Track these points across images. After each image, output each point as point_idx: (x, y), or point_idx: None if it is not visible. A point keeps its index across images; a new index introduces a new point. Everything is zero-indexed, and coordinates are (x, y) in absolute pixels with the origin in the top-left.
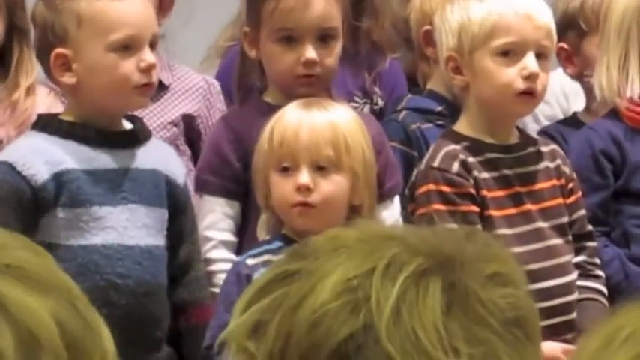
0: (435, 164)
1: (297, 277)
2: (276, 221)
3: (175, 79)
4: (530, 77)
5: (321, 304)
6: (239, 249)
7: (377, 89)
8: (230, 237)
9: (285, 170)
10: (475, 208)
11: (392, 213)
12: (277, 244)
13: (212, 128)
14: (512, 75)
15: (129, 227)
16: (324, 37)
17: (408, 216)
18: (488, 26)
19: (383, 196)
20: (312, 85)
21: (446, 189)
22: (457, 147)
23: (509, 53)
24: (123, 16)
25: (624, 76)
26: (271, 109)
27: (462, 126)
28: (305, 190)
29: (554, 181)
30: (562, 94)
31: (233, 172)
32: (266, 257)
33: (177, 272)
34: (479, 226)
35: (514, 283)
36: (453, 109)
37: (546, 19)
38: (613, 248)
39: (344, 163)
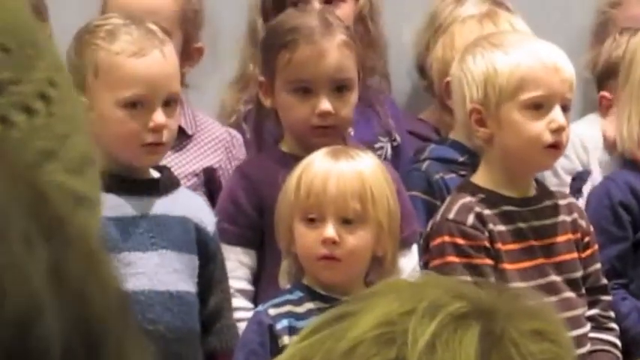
0: (451, 216)
1: (346, 318)
2: (297, 269)
3: (199, 130)
4: (558, 130)
5: (357, 335)
6: (255, 296)
7: (391, 122)
8: (247, 286)
9: (311, 221)
10: (489, 261)
11: (410, 261)
12: (298, 294)
13: (229, 177)
14: (540, 128)
15: (159, 272)
16: (339, 88)
17: (421, 267)
18: (517, 79)
19: (401, 245)
20: (327, 136)
21: (460, 241)
22: (473, 199)
23: (538, 106)
24: (137, 73)
25: None
26: (287, 158)
27: (479, 177)
28: (331, 243)
29: (570, 235)
30: (581, 147)
31: (249, 221)
32: (288, 308)
33: (208, 321)
34: (492, 279)
35: (556, 342)
36: (475, 160)
37: (571, 71)
38: (632, 300)
39: (370, 215)
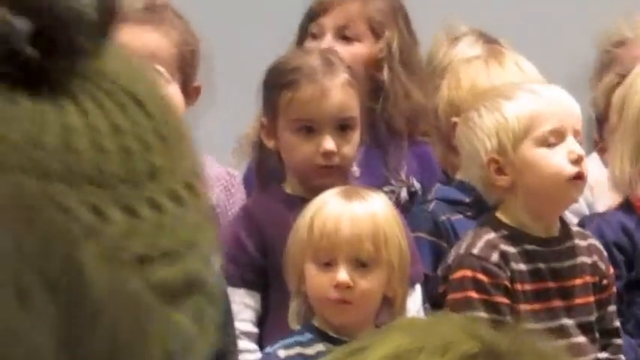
0: (475, 251)
1: (356, 353)
2: (307, 309)
3: None
4: (578, 160)
5: None
6: (259, 339)
7: (403, 175)
8: (251, 328)
9: (323, 263)
10: (507, 301)
11: (414, 301)
12: (308, 336)
13: (232, 218)
14: (560, 161)
15: None
16: (342, 127)
17: (437, 296)
18: (527, 118)
19: None
20: (331, 176)
21: (482, 277)
22: (497, 235)
23: (552, 141)
24: None
25: (636, 170)
26: (290, 199)
27: (503, 213)
28: (344, 288)
29: (588, 278)
30: (587, 188)
31: (252, 262)
32: (297, 349)
33: None
34: (508, 318)
35: None
36: (482, 201)
37: (576, 105)
38: (627, 339)
39: (383, 257)
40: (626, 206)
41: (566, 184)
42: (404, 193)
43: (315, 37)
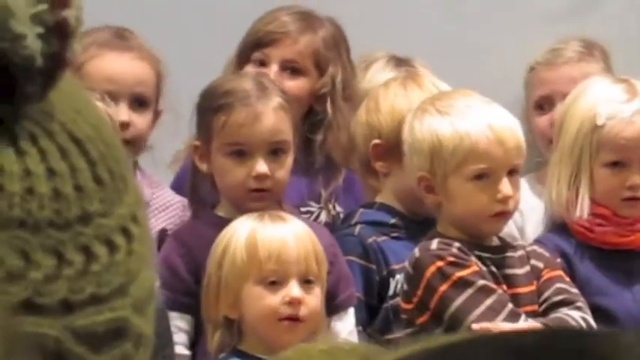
0: (433, 247)
1: None
2: (233, 336)
3: (155, 197)
4: (504, 200)
5: None
6: None
7: (332, 205)
8: (183, 350)
9: (270, 284)
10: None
11: (346, 324)
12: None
13: (165, 242)
14: (486, 199)
15: None
16: (275, 151)
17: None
18: (461, 152)
19: (337, 308)
20: (263, 200)
21: (453, 259)
22: (448, 241)
23: (483, 177)
24: None
25: (574, 195)
26: (223, 223)
27: (443, 228)
28: (298, 304)
29: (533, 287)
30: (517, 212)
31: (185, 286)
32: None
33: None
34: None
35: None
36: (406, 221)
37: (517, 138)
38: None
39: (322, 276)
40: (562, 230)
41: (488, 219)
42: (323, 216)
43: (260, 64)
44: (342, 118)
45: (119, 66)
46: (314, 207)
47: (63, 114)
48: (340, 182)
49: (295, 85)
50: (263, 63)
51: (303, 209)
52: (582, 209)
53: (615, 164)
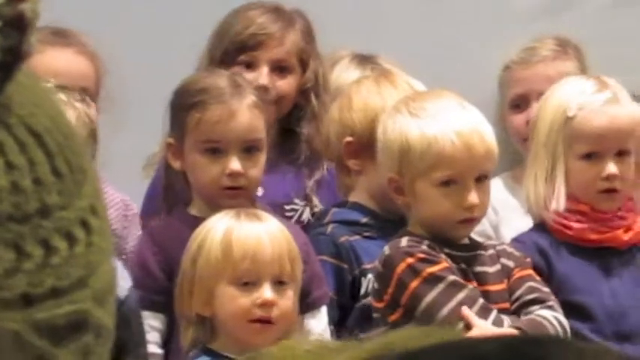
0: (403, 244)
1: None
2: (205, 334)
3: None
4: (471, 208)
5: None
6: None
7: (315, 197)
8: (156, 349)
9: (244, 284)
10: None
11: (319, 322)
12: (204, 358)
13: (137, 241)
14: (452, 206)
15: None
16: (248, 149)
17: (380, 310)
18: (429, 158)
19: (310, 306)
20: (236, 197)
21: (423, 255)
22: (418, 238)
23: (450, 183)
24: None
25: (551, 190)
26: (197, 221)
27: (413, 227)
28: (270, 306)
29: (504, 285)
30: (492, 209)
31: (157, 285)
32: None
33: None
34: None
35: None
36: (379, 220)
37: (486, 144)
38: None
39: (296, 276)
40: (541, 228)
41: (455, 225)
42: (306, 214)
43: (247, 66)
44: (325, 110)
45: (63, 61)
46: (299, 205)
47: (20, 107)
48: (325, 173)
49: (286, 83)
50: (250, 65)
51: (287, 207)
52: (558, 202)
53: (589, 156)
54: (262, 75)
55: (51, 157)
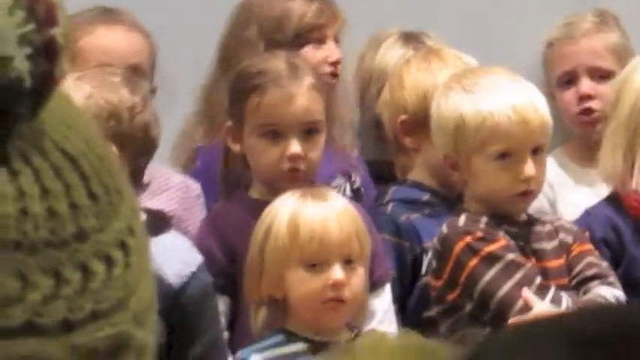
0: (461, 223)
1: None
2: (278, 316)
3: (154, 178)
4: (527, 180)
5: None
6: (230, 343)
7: (354, 172)
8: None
9: (313, 266)
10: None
11: (383, 301)
12: (280, 337)
13: (199, 226)
14: (509, 179)
15: None
16: (308, 131)
17: (438, 289)
18: (484, 132)
19: (374, 285)
20: (297, 180)
21: (481, 234)
22: (475, 217)
23: (506, 157)
24: None
25: (629, 166)
26: (257, 204)
27: (469, 204)
28: (341, 286)
29: (562, 261)
30: (547, 185)
31: (221, 268)
32: (275, 351)
33: None
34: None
35: None
36: (439, 197)
37: (541, 117)
38: None
39: (364, 255)
40: (615, 201)
41: (512, 199)
42: (347, 190)
43: (319, 41)
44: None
45: (112, 39)
46: (340, 181)
47: (55, 131)
48: (355, 145)
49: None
50: (320, 41)
51: (332, 184)
52: (638, 183)
53: None
54: (333, 49)
55: (86, 180)
